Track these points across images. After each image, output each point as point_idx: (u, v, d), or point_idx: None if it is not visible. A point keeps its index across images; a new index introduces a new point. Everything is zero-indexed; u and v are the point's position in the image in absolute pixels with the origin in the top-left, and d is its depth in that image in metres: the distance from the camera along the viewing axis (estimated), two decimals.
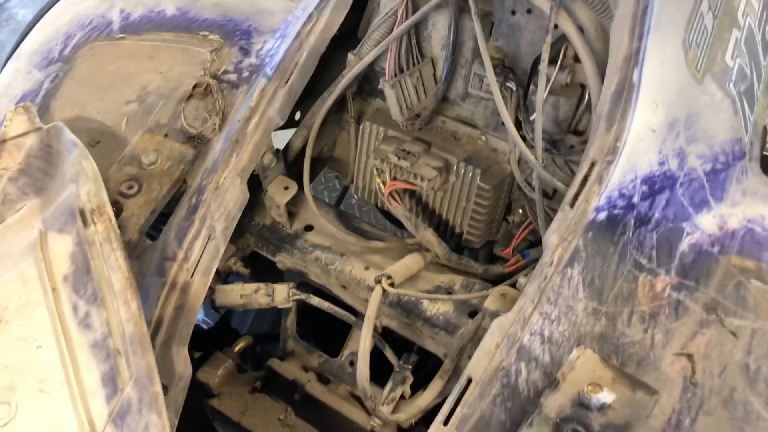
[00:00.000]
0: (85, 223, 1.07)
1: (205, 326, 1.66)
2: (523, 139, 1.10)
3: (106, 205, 1.08)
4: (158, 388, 0.93)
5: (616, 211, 0.96)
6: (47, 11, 1.56)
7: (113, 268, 1.02)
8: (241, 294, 1.18)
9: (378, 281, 1.07)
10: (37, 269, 1.07)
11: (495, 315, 1.01)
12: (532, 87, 1.09)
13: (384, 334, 1.18)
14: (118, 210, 1.14)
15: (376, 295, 1.05)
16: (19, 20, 3.64)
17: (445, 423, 0.89)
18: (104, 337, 0.99)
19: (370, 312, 1.03)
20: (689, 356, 0.91)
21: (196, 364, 1.21)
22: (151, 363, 0.95)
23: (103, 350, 0.98)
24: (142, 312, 0.99)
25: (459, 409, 0.89)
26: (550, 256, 0.95)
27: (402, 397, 1.13)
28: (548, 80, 1.02)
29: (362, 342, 1.01)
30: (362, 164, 1.27)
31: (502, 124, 1.16)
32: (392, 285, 1.07)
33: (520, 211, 1.22)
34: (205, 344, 1.38)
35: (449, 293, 1.13)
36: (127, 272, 1.02)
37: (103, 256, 1.04)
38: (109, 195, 1.10)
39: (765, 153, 1.21)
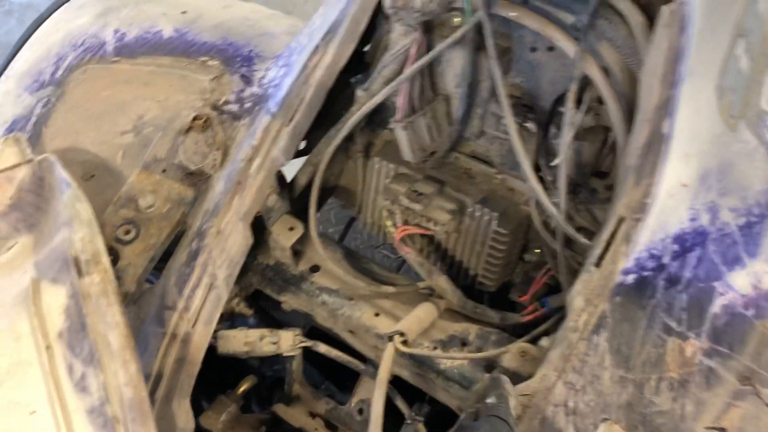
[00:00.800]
0: (80, 273, 1.01)
1: None
2: (541, 180, 1.04)
3: (102, 254, 1.01)
4: None
5: (645, 273, 0.90)
6: (37, 28, 1.48)
7: (110, 326, 0.96)
8: (245, 341, 1.13)
9: (390, 339, 1.01)
10: (30, 324, 1.01)
11: (513, 374, 0.96)
12: (552, 129, 1.03)
13: (394, 380, 1.13)
14: (114, 258, 1.08)
15: (388, 355, 0.99)
16: (12, 1, 3.55)
17: None
18: (101, 403, 0.93)
19: (383, 374, 0.97)
20: (722, 431, 0.86)
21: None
22: None
23: (101, 417, 0.92)
24: (141, 375, 0.93)
25: None
26: (575, 321, 0.90)
27: None
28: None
29: (374, 405, 0.96)
30: (370, 201, 1.21)
31: None
32: (405, 342, 1.01)
33: (537, 251, 1.17)
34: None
35: (464, 343, 1.08)
36: (125, 330, 0.96)
37: (100, 311, 0.98)
38: (105, 241, 1.03)
39: None
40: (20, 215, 1.16)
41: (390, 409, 1.12)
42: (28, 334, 1.01)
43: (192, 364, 1.07)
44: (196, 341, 1.06)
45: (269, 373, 1.42)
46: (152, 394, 1.05)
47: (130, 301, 1.09)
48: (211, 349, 1.39)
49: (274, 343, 1.12)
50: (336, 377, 1.41)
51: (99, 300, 0.98)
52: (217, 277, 1.07)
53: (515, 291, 1.17)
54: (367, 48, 1.27)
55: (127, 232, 1.10)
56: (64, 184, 1.10)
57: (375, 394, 0.96)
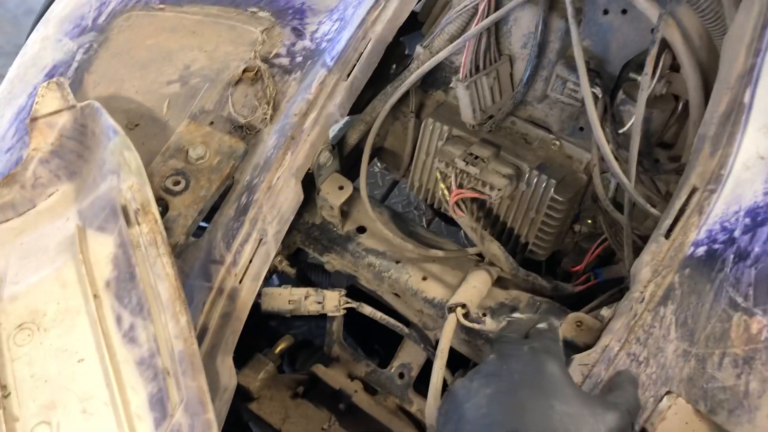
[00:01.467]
0: (128, 222, 0.99)
1: None
2: None
3: (152, 203, 0.99)
4: (211, 416, 0.86)
5: (716, 246, 0.88)
6: None
7: (160, 276, 0.94)
8: (289, 299, 1.11)
9: (451, 310, 0.99)
10: (77, 272, 0.99)
11: (568, 344, 0.94)
12: (620, 96, 1.00)
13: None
14: (163, 208, 1.06)
15: (449, 328, 0.96)
16: None
17: None
18: (151, 354, 0.91)
19: (443, 346, 0.94)
20: None
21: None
22: (203, 387, 0.88)
23: (151, 369, 0.91)
24: (192, 328, 0.91)
25: None
26: (641, 292, 0.87)
27: None
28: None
29: (434, 377, 0.93)
30: (421, 163, 1.18)
31: (580, 129, 1.08)
32: (467, 314, 0.99)
33: (589, 221, 1.14)
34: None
35: (514, 311, 1.06)
36: (175, 281, 0.93)
37: (149, 261, 0.95)
38: (153, 191, 1.01)
39: None
40: (61, 162, 1.14)
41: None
42: (75, 281, 1.00)
43: (237, 319, 1.05)
44: (242, 297, 1.04)
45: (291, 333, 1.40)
46: None
47: (177, 253, 1.07)
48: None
49: (319, 303, 1.10)
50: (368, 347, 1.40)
51: (148, 250, 0.96)
52: (267, 233, 1.05)
53: (566, 261, 1.15)
54: (418, 8, 1.23)
55: (177, 183, 1.07)
56: (110, 131, 1.07)
57: (435, 365, 0.93)
